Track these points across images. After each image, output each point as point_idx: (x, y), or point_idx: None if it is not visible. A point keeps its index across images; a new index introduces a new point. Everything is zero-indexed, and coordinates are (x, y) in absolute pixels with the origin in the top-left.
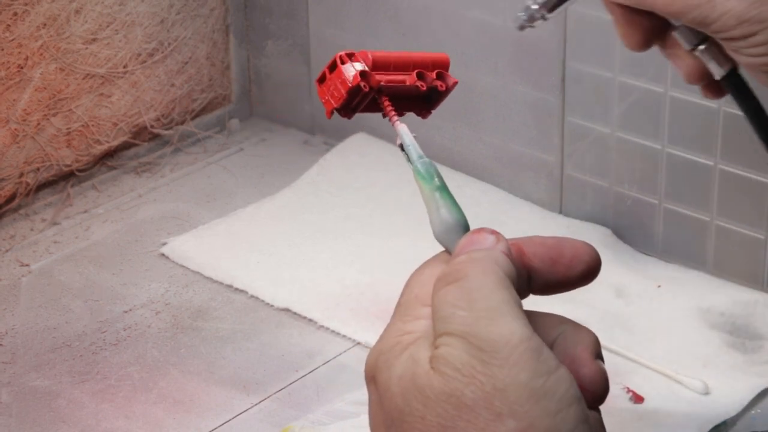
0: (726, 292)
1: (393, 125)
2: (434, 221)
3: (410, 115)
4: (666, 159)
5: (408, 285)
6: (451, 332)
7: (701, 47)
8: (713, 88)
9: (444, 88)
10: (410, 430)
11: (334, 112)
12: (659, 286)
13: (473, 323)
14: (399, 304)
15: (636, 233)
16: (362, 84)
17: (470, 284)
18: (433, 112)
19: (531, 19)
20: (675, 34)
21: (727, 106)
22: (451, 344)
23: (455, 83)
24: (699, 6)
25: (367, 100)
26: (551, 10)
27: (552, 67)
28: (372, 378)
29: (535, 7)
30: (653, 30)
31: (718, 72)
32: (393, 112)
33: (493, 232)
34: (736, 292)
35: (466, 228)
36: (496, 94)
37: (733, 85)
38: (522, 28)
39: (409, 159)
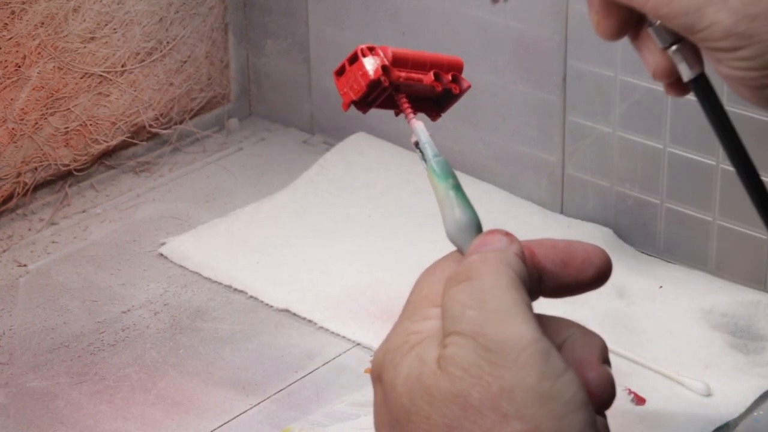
0: (728, 293)
1: (409, 122)
2: (448, 220)
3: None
4: (668, 158)
5: (417, 284)
6: (460, 332)
7: (674, 47)
8: (678, 87)
9: (458, 91)
10: (415, 430)
11: (352, 104)
12: (661, 287)
13: (483, 323)
14: (408, 304)
15: (637, 233)
16: (382, 78)
17: (481, 284)
18: (443, 114)
19: None
20: (650, 30)
21: (730, 105)
22: (460, 344)
23: (469, 87)
24: (687, 14)
25: (384, 96)
26: None
27: (553, 66)
28: (378, 377)
29: None
30: (629, 22)
31: (687, 74)
32: (409, 110)
33: (507, 234)
34: (738, 293)
35: (479, 228)
36: (497, 94)
37: (700, 88)
38: (495, 0)
39: (423, 157)
